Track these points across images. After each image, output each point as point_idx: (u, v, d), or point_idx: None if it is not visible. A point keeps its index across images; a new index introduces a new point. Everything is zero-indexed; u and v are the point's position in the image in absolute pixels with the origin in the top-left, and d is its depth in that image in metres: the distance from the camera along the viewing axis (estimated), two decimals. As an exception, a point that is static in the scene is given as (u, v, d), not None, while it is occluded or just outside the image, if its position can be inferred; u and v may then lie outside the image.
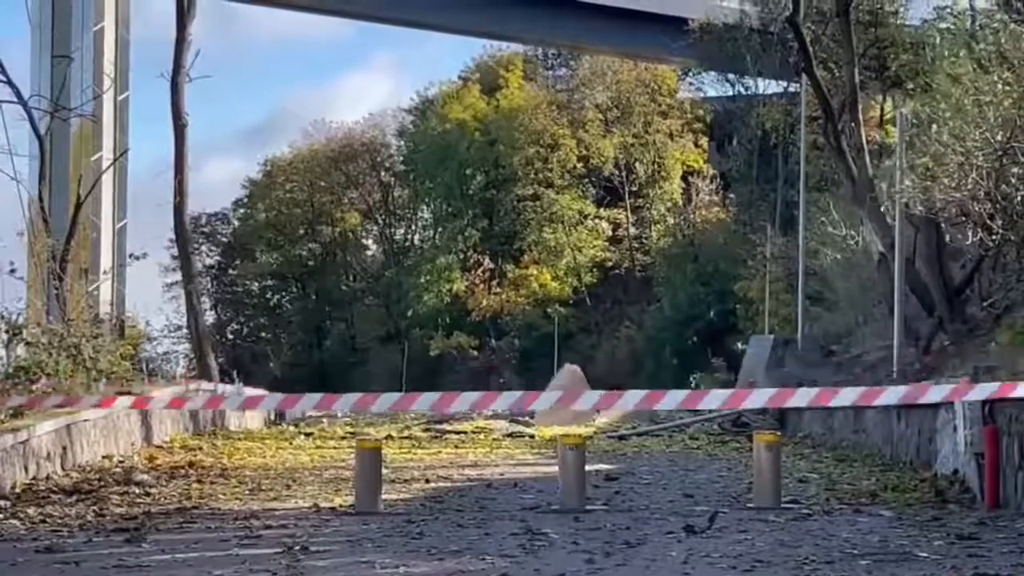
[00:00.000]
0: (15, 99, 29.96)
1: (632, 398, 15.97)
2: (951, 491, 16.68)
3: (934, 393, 16.44)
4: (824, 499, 16.70)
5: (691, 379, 54.16)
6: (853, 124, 33.42)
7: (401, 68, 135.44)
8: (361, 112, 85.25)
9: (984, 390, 14.86)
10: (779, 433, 21.00)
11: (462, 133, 77.32)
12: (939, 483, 17.35)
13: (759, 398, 16.89)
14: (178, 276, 63.50)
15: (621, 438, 30.13)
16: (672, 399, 15.97)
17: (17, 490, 16.17)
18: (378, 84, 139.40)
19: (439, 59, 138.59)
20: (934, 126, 25.79)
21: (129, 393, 22.53)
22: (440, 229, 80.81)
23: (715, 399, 16.96)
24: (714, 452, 26.20)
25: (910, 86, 35.64)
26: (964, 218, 25.38)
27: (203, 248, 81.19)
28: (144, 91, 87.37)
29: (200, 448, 24.42)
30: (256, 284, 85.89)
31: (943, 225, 27.24)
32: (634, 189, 76.80)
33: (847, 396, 16.45)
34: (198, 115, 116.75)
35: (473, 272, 76.08)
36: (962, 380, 16.66)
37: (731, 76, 70.05)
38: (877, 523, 14.29)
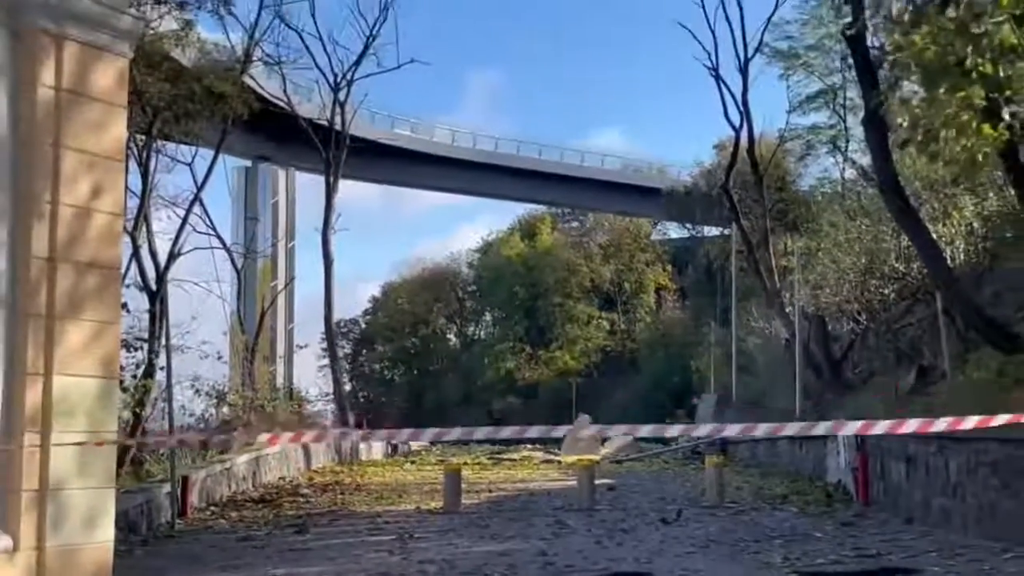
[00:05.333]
0: (221, 246, 30.52)
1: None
2: (836, 494, 16.58)
3: (819, 428, 16.28)
4: (752, 500, 16.61)
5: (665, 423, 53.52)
6: (766, 254, 33.53)
7: (490, 224, 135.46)
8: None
9: (852, 427, 14.68)
10: (723, 457, 20.85)
11: (511, 264, 77.67)
12: (828, 489, 17.25)
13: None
14: (327, 361, 63.56)
15: (618, 462, 30.00)
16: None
17: (223, 501, 16.26)
18: (477, 233, 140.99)
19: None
20: (819, 254, 25.92)
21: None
22: (497, 327, 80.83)
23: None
24: (679, 471, 26.04)
25: (803, 229, 35.62)
26: (840, 314, 25.37)
27: (341, 343, 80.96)
28: (311, 238, 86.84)
29: (342, 471, 24.46)
30: (377, 365, 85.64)
31: (827, 319, 27.21)
32: (624, 300, 76.82)
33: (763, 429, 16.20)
34: (361, 255, 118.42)
35: (519, 355, 75.87)
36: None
37: (687, 225, 70.29)
38: (787, 516, 14.20)
